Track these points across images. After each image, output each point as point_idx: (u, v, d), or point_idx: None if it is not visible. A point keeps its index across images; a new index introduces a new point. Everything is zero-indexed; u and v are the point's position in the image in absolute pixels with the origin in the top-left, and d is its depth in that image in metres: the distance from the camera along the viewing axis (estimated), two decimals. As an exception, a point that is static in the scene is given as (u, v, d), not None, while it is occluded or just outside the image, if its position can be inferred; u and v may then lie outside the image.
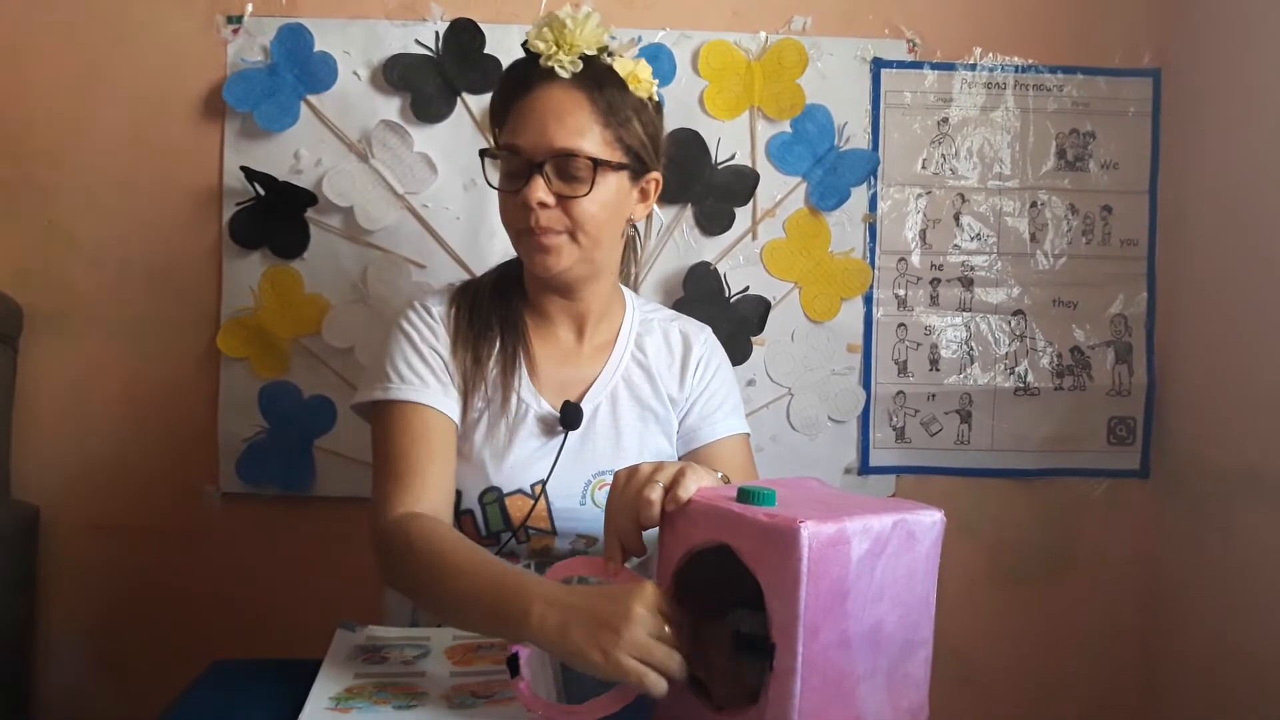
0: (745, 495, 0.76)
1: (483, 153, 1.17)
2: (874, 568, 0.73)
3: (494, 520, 1.14)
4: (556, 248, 1.11)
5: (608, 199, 1.11)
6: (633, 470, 0.86)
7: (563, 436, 1.15)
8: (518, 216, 1.11)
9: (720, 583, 0.79)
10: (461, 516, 1.14)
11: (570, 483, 1.15)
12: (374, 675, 0.93)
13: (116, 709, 1.63)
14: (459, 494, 1.13)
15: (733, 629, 0.81)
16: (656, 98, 1.17)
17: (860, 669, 0.74)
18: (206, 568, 1.66)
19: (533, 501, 1.13)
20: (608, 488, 1.11)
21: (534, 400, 1.17)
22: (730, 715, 0.76)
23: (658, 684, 0.76)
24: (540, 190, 1.07)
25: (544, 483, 1.13)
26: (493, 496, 1.13)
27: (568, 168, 1.08)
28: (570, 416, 1.14)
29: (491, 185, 1.15)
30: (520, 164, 1.09)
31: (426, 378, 1.13)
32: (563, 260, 1.11)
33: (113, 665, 1.65)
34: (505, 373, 1.16)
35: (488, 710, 0.84)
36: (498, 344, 1.17)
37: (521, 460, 1.14)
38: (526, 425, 1.16)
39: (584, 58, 1.09)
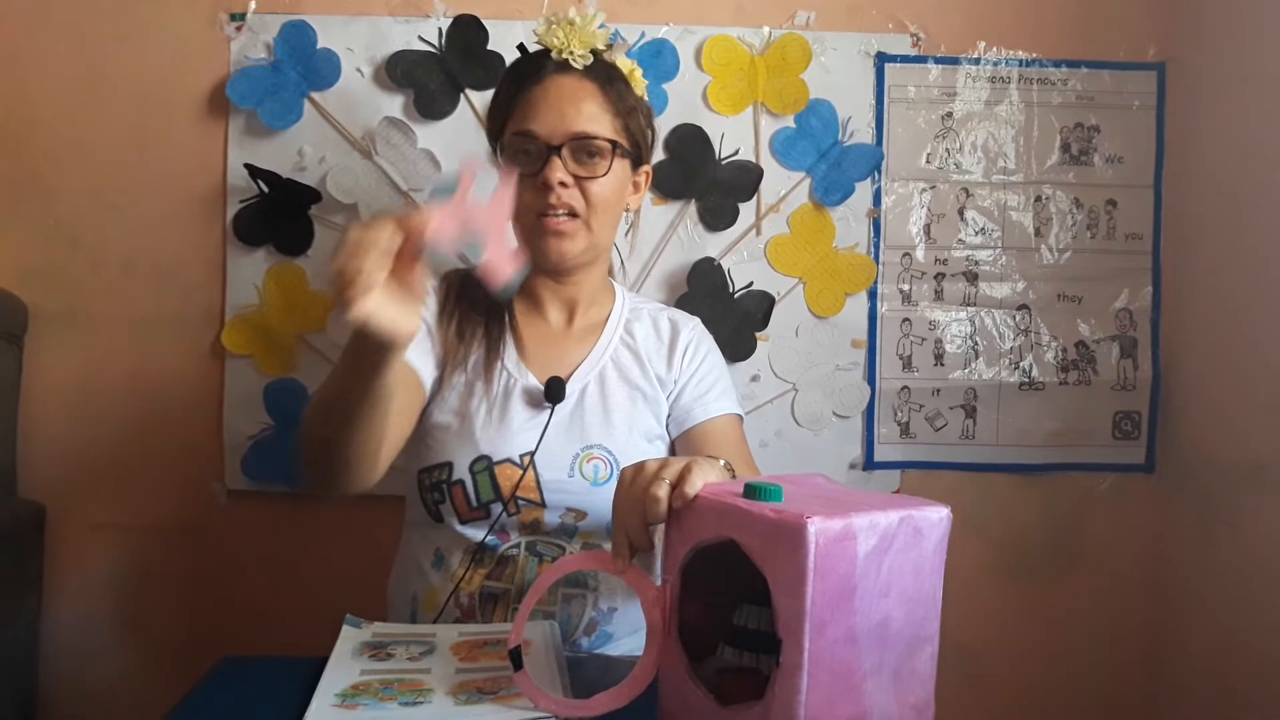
0: (752, 491, 0.75)
1: (494, 139, 1.20)
2: (880, 563, 0.73)
3: (484, 490, 1.15)
4: (571, 233, 1.16)
5: (617, 184, 1.18)
6: (639, 467, 0.86)
7: (550, 410, 1.17)
8: (535, 200, 1.14)
9: (726, 578, 0.79)
10: (453, 487, 1.16)
11: (559, 454, 1.16)
12: (380, 672, 0.93)
13: (124, 706, 1.63)
14: (450, 465, 1.16)
15: (739, 624, 0.81)
16: (646, 98, 1.25)
17: (867, 665, 0.73)
18: (213, 565, 1.66)
19: (521, 471, 1.15)
20: (597, 461, 1.16)
21: (519, 373, 1.20)
22: (736, 711, 0.76)
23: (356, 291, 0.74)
24: (559, 170, 1.12)
25: (532, 453, 1.15)
26: (482, 465, 1.15)
27: (586, 149, 1.14)
28: (554, 390, 1.17)
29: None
30: (537, 148, 1.14)
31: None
32: (577, 245, 1.17)
33: (120, 663, 1.66)
34: (491, 348, 1.20)
35: (494, 706, 0.85)
36: (482, 324, 1.22)
37: (510, 429, 1.16)
38: (514, 397, 1.19)
39: (593, 52, 1.17)
